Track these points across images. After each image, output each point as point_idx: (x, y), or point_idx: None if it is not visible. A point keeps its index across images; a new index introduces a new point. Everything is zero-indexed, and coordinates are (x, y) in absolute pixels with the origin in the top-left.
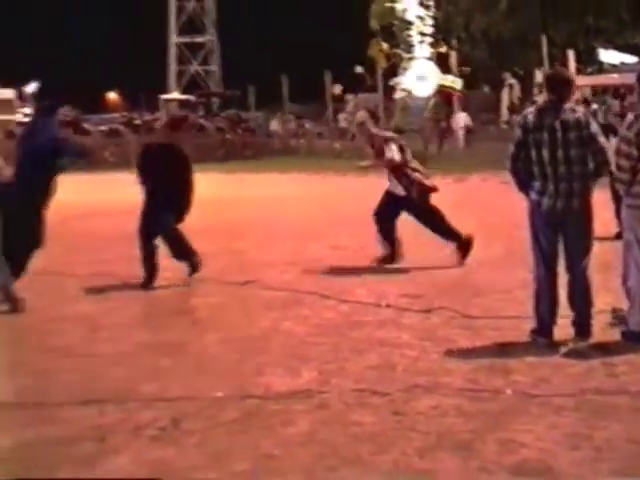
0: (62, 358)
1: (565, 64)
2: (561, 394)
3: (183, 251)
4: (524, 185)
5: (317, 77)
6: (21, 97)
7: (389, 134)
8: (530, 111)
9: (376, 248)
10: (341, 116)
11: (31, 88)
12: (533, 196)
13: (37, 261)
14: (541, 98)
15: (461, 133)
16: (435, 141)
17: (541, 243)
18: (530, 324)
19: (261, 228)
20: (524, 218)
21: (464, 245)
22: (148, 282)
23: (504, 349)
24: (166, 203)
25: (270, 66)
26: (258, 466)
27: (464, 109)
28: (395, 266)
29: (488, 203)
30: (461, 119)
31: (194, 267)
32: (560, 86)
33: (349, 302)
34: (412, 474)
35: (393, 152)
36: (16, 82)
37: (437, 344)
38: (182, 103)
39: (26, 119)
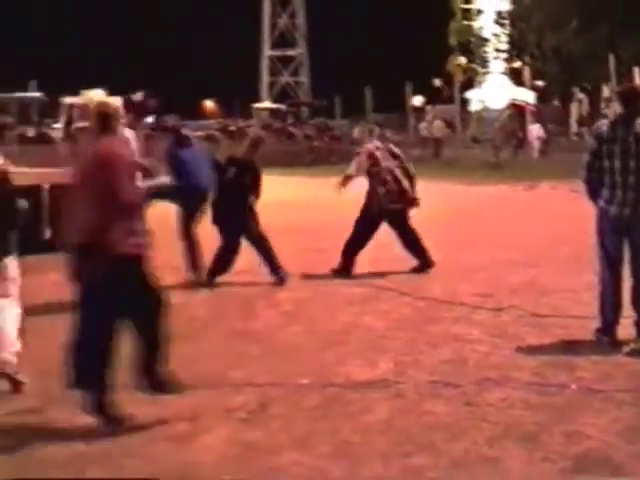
0: None
1: (631, 80)
2: (623, 390)
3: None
4: (594, 193)
5: (398, 89)
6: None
7: (373, 145)
8: (604, 123)
9: (449, 248)
10: (421, 125)
11: (137, 97)
12: (601, 204)
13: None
14: (610, 111)
15: (536, 144)
16: (507, 150)
17: (607, 248)
18: (595, 324)
19: (344, 228)
20: (592, 225)
21: (423, 268)
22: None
23: (570, 347)
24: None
25: (355, 78)
26: (338, 450)
27: (537, 121)
28: (468, 267)
29: (557, 210)
30: (535, 130)
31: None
32: (632, 100)
33: (425, 299)
34: (481, 461)
35: (352, 165)
36: (125, 91)
37: (507, 340)
38: (273, 112)
39: None
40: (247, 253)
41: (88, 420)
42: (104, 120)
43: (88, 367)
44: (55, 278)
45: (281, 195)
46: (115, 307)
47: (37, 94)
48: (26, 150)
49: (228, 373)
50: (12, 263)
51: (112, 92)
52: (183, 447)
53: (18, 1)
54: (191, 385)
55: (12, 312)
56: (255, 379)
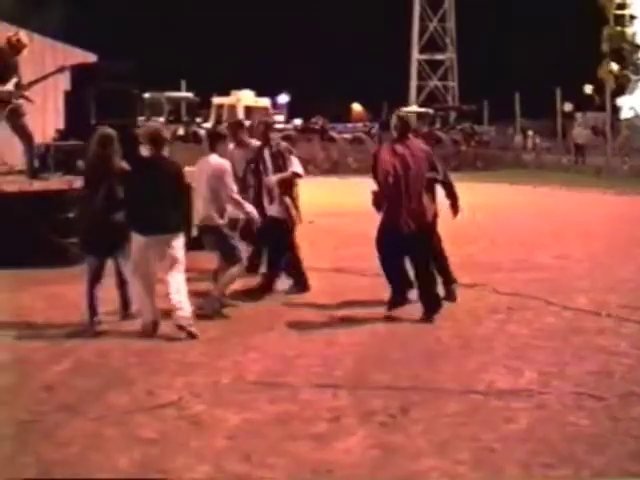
0: (302, 344)
1: None
2: None
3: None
4: None
5: (548, 95)
6: (274, 106)
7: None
8: None
9: (594, 258)
10: (575, 132)
11: (282, 98)
12: None
13: None
14: None
15: None
16: None
17: None
18: None
19: (489, 234)
20: None
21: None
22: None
23: None
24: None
25: (504, 83)
26: (477, 457)
27: None
28: (616, 278)
29: None
30: None
31: None
32: None
33: (571, 309)
34: (624, 476)
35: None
36: (271, 92)
37: None
38: (420, 116)
39: (279, 126)
40: None
41: (233, 415)
42: (406, 127)
43: None
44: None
45: None
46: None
47: (188, 94)
48: (176, 148)
49: (370, 375)
50: (180, 238)
51: (259, 93)
52: (323, 447)
53: (174, 2)
54: (331, 386)
55: (181, 277)
56: (397, 383)
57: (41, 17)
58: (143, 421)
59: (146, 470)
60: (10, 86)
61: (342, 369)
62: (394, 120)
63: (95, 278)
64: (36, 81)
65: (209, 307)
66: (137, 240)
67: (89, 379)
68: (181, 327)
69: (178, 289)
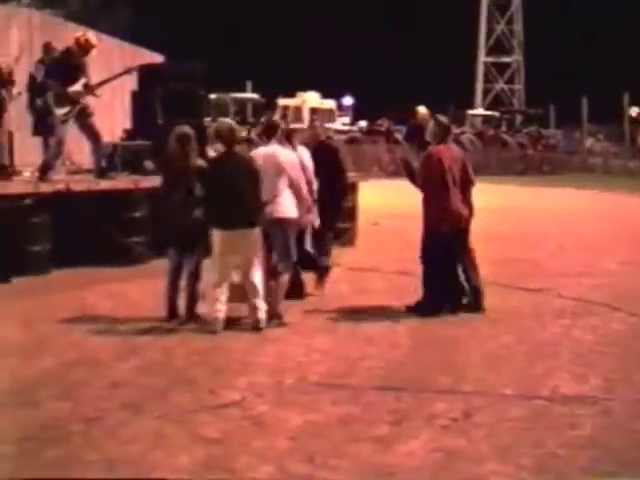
0: (366, 346)
1: None
2: None
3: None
4: None
5: (616, 99)
6: (340, 108)
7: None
8: None
9: None
10: None
11: (347, 100)
12: None
13: (348, 257)
14: None
15: None
16: None
17: None
18: None
19: (555, 238)
20: None
21: None
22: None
23: None
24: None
25: (571, 87)
26: (540, 463)
27: None
28: None
29: None
30: None
31: None
32: None
33: (637, 315)
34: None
35: None
36: (337, 94)
37: None
38: (486, 118)
39: (344, 128)
40: None
41: (296, 415)
42: (446, 132)
43: None
44: None
45: (491, 203)
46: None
47: (253, 95)
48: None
49: (433, 379)
50: (258, 231)
51: (325, 95)
52: (385, 450)
53: (242, 4)
54: (394, 388)
55: (259, 272)
56: (460, 386)
57: (109, 18)
58: (206, 420)
59: (208, 469)
60: (79, 87)
61: (405, 372)
62: (432, 126)
63: (176, 272)
64: (104, 82)
65: (272, 325)
66: (217, 235)
67: (153, 377)
68: (273, 316)
69: (256, 284)
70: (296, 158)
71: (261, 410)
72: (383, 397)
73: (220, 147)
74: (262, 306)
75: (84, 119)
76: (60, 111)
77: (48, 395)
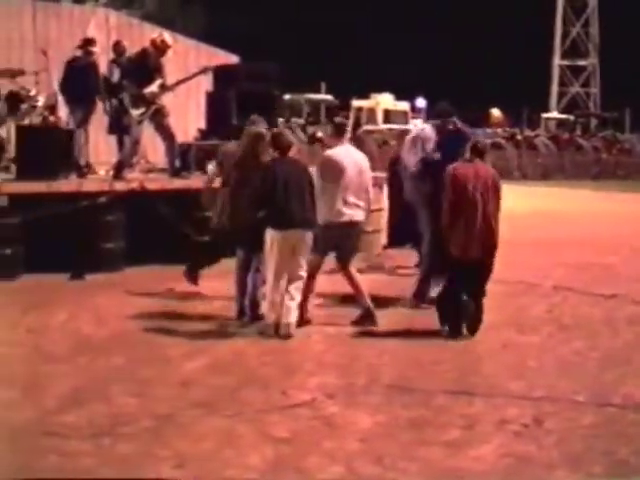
0: (438, 350)
1: None
2: None
3: None
4: None
5: None
6: (413, 109)
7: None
8: None
9: None
10: None
11: (420, 102)
12: None
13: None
14: None
15: None
16: None
17: None
18: None
19: (629, 243)
20: None
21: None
22: None
23: None
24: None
25: None
26: (611, 471)
27: None
28: None
29: None
30: None
31: None
32: None
33: None
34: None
35: None
36: (410, 96)
37: None
38: (561, 122)
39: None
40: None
41: (366, 417)
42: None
43: None
44: None
45: (565, 207)
46: None
47: (327, 96)
48: (314, 150)
49: (504, 384)
50: (311, 234)
51: (398, 97)
52: (456, 454)
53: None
54: (466, 393)
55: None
56: (531, 393)
57: (185, 19)
58: (276, 420)
59: (278, 469)
60: (155, 87)
61: (477, 376)
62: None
63: (244, 268)
64: (180, 82)
65: (368, 324)
66: (273, 236)
67: (224, 376)
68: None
69: (298, 288)
70: (367, 160)
71: (331, 411)
72: (454, 401)
73: (274, 153)
74: (296, 310)
75: (159, 119)
76: (136, 112)
77: (119, 391)
